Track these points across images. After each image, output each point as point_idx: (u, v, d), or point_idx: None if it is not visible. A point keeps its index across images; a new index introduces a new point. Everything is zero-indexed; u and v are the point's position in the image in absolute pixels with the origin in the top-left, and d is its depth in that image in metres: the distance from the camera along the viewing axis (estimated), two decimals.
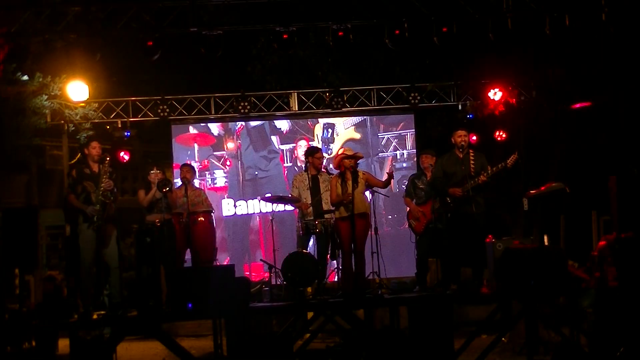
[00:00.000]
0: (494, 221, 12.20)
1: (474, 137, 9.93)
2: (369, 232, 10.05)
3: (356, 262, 9.75)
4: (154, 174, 10.70)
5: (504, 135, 13.32)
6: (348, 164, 9.85)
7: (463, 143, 9.98)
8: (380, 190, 10.35)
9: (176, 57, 13.17)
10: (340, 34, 10.88)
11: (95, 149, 10.10)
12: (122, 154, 13.14)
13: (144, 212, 10.71)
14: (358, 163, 10.07)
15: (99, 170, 9.98)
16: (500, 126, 13.32)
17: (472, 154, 10.00)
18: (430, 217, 10.57)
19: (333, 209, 10.23)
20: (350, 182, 9.84)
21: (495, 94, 12.95)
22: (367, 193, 10.15)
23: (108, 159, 10.07)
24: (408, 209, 11.12)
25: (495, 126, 13.39)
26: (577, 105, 13.03)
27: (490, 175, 9.83)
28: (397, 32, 10.85)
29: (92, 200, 9.87)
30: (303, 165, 11.46)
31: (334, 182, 9.99)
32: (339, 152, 10.19)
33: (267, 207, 13.28)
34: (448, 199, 9.97)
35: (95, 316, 9.60)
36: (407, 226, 11.37)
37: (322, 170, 10.90)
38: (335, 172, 10.32)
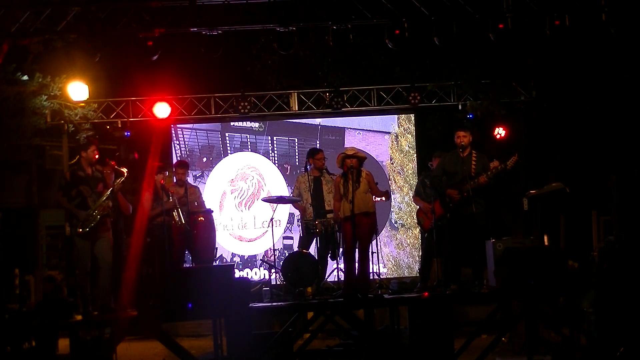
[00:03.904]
0: (494, 221, 12.20)
1: (466, 138, 9.90)
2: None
3: (359, 261, 9.73)
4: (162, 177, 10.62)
5: (503, 133, 13.29)
6: (349, 163, 9.83)
7: (463, 143, 9.97)
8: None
9: (176, 57, 13.17)
10: (340, 33, 10.87)
11: (94, 152, 9.99)
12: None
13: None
14: (362, 163, 10.02)
15: (92, 173, 9.87)
16: (500, 124, 13.29)
17: (474, 155, 9.99)
18: (438, 215, 10.59)
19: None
20: (351, 183, 9.80)
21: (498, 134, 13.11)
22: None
23: (102, 168, 9.93)
24: (418, 206, 11.18)
25: (495, 125, 13.37)
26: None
27: (490, 176, 9.82)
28: (397, 32, 10.85)
29: (88, 204, 9.73)
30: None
31: (337, 182, 9.95)
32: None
33: None
34: (447, 198, 9.98)
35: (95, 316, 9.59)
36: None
37: (324, 171, 10.91)
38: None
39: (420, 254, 11.11)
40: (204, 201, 11.47)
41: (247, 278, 12.62)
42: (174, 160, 13.51)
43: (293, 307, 10.05)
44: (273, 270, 10.99)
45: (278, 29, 10.80)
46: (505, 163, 9.83)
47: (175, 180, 11.25)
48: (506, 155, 9.96)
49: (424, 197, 11.02)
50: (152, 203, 10.59)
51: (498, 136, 13.34)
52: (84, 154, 9.94)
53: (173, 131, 13.73)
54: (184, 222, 10.50)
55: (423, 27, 10.95)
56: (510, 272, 9.44)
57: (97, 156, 9.96)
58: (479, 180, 9.80)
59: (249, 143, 14.03)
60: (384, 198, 10.21)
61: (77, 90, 12.48)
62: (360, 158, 9.95)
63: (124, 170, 9.94)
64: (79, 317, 9.65)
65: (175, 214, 10.49)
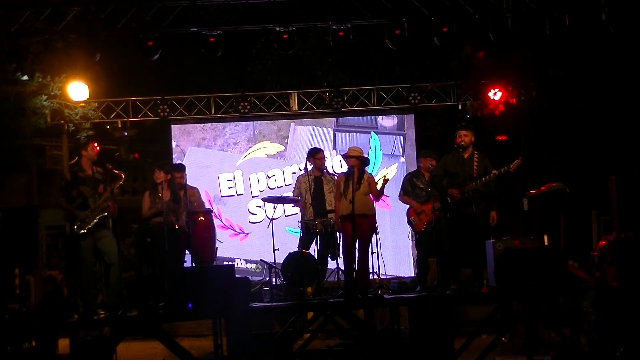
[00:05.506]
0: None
1: (467, 137, 9.88)
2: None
3: (359, 262, 9.73)
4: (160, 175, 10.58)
5: (504, 138, 13.42)
6: (352, 163, 9.85)
7: (464, 143, 9.94)
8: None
9: (176, 57, 13.18)
10: (340, 34, 10.88)
11: (94, 149, 9.96)
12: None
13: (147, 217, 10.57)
14: (364, 164, 10.00)
15: (92, 173, 9.85)
16: (501, 129, 13.35)
17: (476, 155, 9.96)
18: (431, 216, 10.56)
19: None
20: (352, 182, 9.79)
21: (495, 94, 12.94)
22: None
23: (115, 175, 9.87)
24: (408, 206, 11.09)
25: (496, 128, 13.42)
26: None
27: (493, 178, 9.79)
28: (397, 32, 10.86)
29: (89, 204, 9.68)
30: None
31: (338, 180, 9.97)
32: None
33: None
34: (448, 198, 9.97)
35: (95, 316, 9.58)
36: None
37: (324, 171, 10.90)
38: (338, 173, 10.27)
39: (416, 257, 11.05)
40: (203, 202, 11.45)
41: (247, 278, 12.60)
42: (174, 161, 13.52)
43: (293, 307, 10.05)
44: (273, 270, 10.97)
45: (278, 29, 10.80)
46: (508, 166, 9.82)
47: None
48: (506, 157, 9.96)
49: (414, 196, 10.94)
50: (150, 203, 10.57)
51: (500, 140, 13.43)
52: (85, 152, 9.90)
53: (172, 131, 13.70)
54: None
55: (423, 27, 10.97)
56: (510, 272, 9.44)
57: (97, 151, 9.93)
58: (480, 182, 9.78)
59: None
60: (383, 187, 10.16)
61: (77, 90, 12.49)
62: (360, 158, 9.96)
63: (121, 173, 9.86)
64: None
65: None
